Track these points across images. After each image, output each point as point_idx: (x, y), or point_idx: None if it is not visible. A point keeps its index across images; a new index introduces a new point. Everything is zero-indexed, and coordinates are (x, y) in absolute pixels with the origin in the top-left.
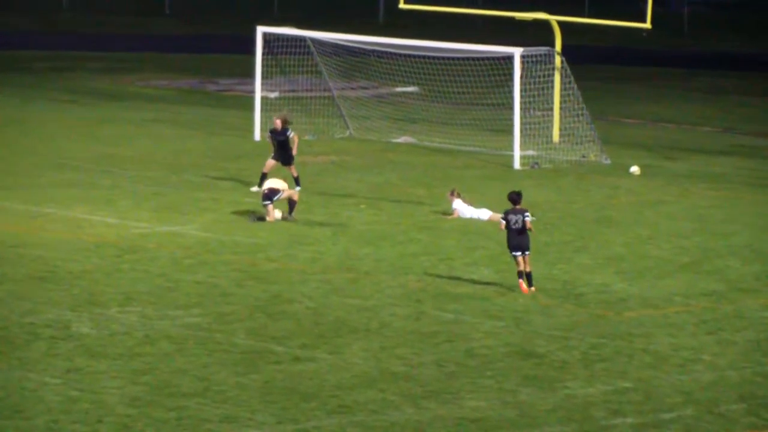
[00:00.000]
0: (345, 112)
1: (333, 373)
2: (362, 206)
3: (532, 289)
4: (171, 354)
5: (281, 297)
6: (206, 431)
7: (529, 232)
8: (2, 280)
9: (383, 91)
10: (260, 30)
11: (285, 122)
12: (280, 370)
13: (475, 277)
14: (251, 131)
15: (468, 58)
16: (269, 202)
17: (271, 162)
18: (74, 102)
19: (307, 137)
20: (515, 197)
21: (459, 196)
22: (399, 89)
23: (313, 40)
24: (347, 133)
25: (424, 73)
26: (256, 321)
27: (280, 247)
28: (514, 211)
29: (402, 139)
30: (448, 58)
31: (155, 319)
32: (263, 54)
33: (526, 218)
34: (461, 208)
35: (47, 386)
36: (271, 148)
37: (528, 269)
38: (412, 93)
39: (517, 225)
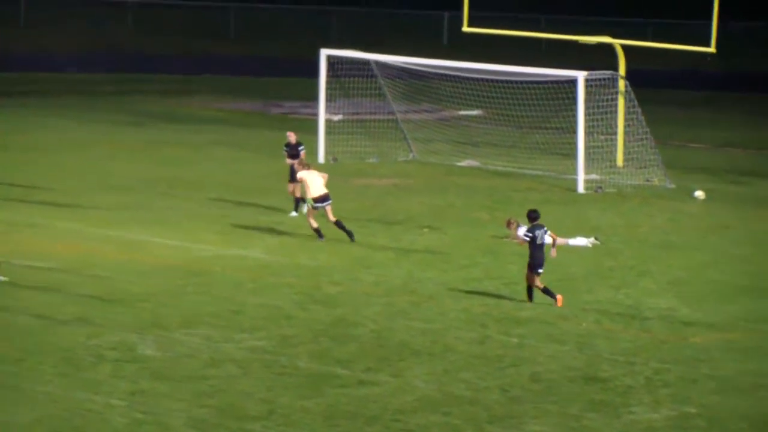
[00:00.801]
0: (408, 135)
1: (396, 396)
2: (425, 229)
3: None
4: (236, 377)
5: (345, 320)
6: None
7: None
8: (67, 303)
9: (446, 114)
10: (324, 53)
11: (297, 136)
12: (343, 393)
13: (538, 301)
14: (314, 154)
15: (531, 82)
16: (325, 203)
17: (291, 185)
18: (136, 124)
19: (370, 160)
20: (535, 215)
21: (518, 225)
22: (462, 112)
23: (377, 63)
24: (410, 155)
25: (488, 96)
26: (320, 344)
27: (343, 270)
28: (538, 227)
29: (465, 163)
30: (512, 82)
31: (220, 341)
32: (327, 77)
33: (547, 233)
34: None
35: (112, 408)
36: (287, 171)
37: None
38: (475, 116)
39: (542, 241)
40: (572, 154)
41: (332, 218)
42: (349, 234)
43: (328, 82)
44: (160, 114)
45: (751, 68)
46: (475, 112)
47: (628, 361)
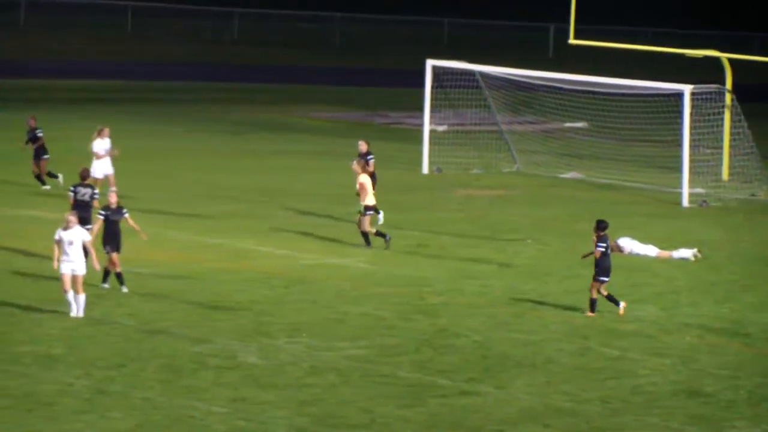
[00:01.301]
0: (513, 147)
1: (498, 407)
2: (528, 241)
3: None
4: (337, 385)
5: (447, 331)
6: None
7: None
8: (171, 310)
9: (551, 126)
10: (430, 63)
11: (368, 145)
12: (445, 403)
13: (640, 314)
14: (419, 164)
15: (636, 95)
16: (371, 212)
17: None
18: (239, 134)
19: (474, 171)
20: (604, 224)
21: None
22: (567, 124)
23: (483, 74)
24: (515, 167)
25: (592, 109)
26: (422, 354)
27: (445, 280)
28: (606, 238)
29: (569, 175)
30: (617, 94)
31: (322, 350)
32: (432, 87)
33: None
34: (629, 244)
35: (214, 415)
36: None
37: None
38: (580, 128)
39: (608, 251)
40: (677, 168)
41: (367, 228)
42: (367, 242)
43: (433, 93)
44: (264, 123)
45: None
46: (580, 125)
47: (731, 376)
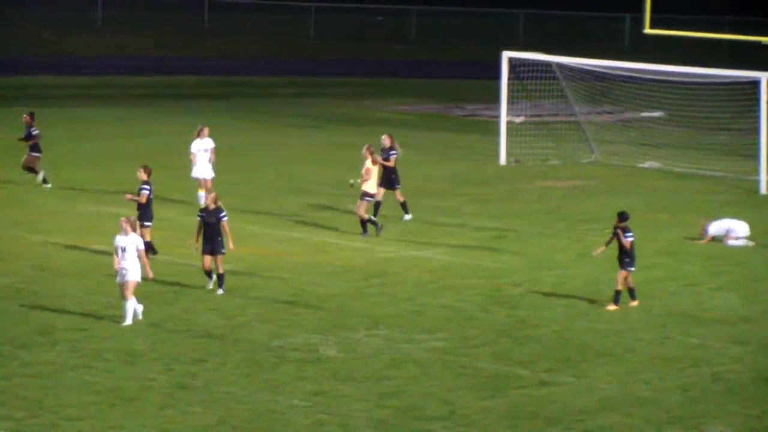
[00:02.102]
0: (590, 137)
1: (578, 397)
2: (607, 230)
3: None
4: (417, 377)
5: (526, 321)
6: None
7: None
8: (251, 304)
9: (628, 115)
10: (506, 55)
11: (392, 141)
12: (525, 394)
13: (720, 302)
14: (496, 156)
15: (713, 83)
16: (370, 199)
17: (395, 193)
18: (317, 127)
19: (552, 162)
20: (627, 215)
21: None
22: (644, 114)
23: (559, 65)
24: (592, 157)
25: (669, 98)
26: (501, 345)
27: (524, 271)
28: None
29: (647, 164)
30: (693, 83)
31: (401, 342)
32: (509, 79)
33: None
34: (718, 227)
35: (294, 409)
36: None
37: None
38: (657, 118)
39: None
40: (754, 156)
41: (363, 214)
42: (364, 230)
43: (509, 84)
44: (342, 117)
45: None
46: (656, 114)
47: None
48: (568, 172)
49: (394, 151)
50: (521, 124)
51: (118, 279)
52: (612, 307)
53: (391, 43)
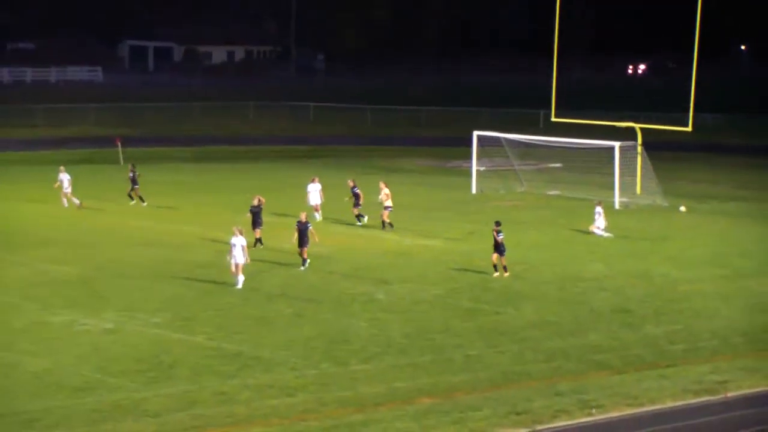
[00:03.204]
0: (522, 177)
1: (515, 320)
2: (532, 230)
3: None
4: (427, 311)
5: (487, 279)
6: None
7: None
8: (336, 270)
9: (542, 165)
10: (475, 133)
11: (354, 182)
12: (487, 319)
13: (593, 268)
14: (470, 188)
15: (589, 147)
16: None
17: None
18: (371, 174)
19: (500, 191)
20: (500, 222)
21: None
22: (551, 165)
23: (504, 138)
24: (523, 188)
25: (565, 155)
26: (472, 292)
27: (485, 252)
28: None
29: (552, 192)
30: (578, 147)
31: (417, 291)
32: (477, 146)
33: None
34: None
35: (361, 327)
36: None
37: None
38: (558, 167)
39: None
40: (612, 187)
41: (386, 219)
42: (388, 227)
43: (477, 149)
44: (381, 167)
45: None
46: (557, 165)
47: None
48: (509, 197)
49: (356, 189)
50: (484, 170)
51: (232, 262)
52: (495, 275)
53: (412, 128)
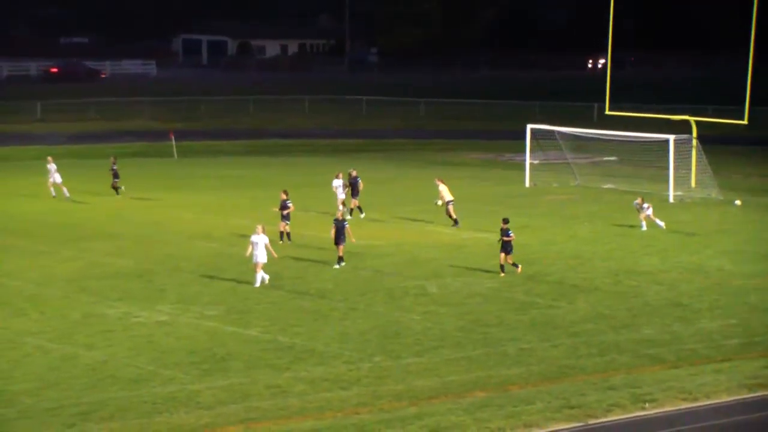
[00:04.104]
0: (575, 171)
1: (569, 314)
2: (586, 222)
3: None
4: (481, 303)
5: (540, 272)
6: None
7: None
8: (389, 263)
9: (596, 159)
10: (529, 126)
11: (356, 173)
12: (540, 312)
13: (647, 261)
14: (523, 182)
15: (644, 141)
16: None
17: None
18: (423, 168)
19: (553, 185)
20: (508, 220)
21: None
22: (605, 158)
23: (558, 132)
24: (577, 182)
25: (619, 149)
26: (527, 285)
27: (538, 245)
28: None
29: (607, 186)
30: (633, 141)
31: (473, 284)
32: (531, 139)
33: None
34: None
35: (414, 321)
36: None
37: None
38: (613, 160)
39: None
40: (666, 181)
41: (453, 213)
42: (455, 222)
43: (531, 142)
44: (437, 161)
45: None
46: (612, 158)
47: None
48: (562, 191)
49: (358, 179)
50: (537, 164)
51: (255, 260)
52: (502, 275)
53: (465, 122)
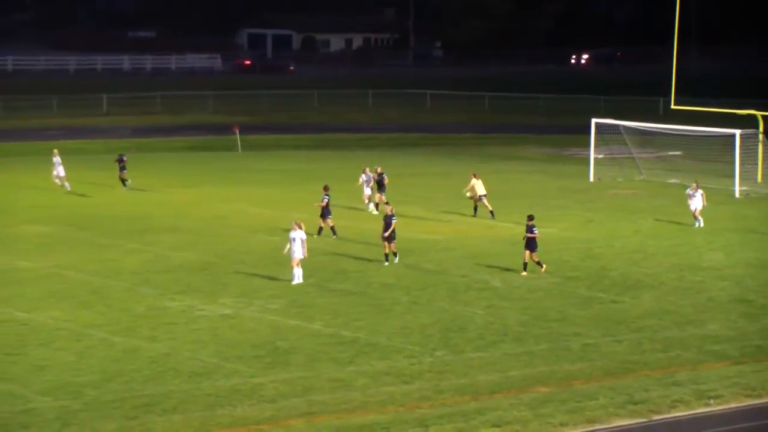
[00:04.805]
0: (640, 165)
1: (633, 309)
2: (650, 218)
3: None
4: (542, 298)
5: (605, 268)
6: None
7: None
8: (449, 258)
9: (661, 153)
10: (593, 120)
11: (381, 169)
12: (603, 307)
13: (711, 257)
14: (587, 176)
15: (709, 135)
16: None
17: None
18: (486, 162)
19: (618, 179)
20: (533, 216)
21: None
22: (670, 153)
23: (622, 126)
24: (641, 177)
25: (684, 143)
26: (590, 280)
27: (602, 239)
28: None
29: (672, 180)
30: (697, 135)
31: (534, 279)
32: (595, 133)
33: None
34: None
35: (476, 315)
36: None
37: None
38: (677, 155)
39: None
40: (732, 176)
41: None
42: (492, 213)
43: (595, 137)
44: (497, 155)
45: None
46: (677, 153)
47: None
48: (627, 185)
49: (384, 175)
50: (602, 158)
51: (292, 256)
52: (524, 274)
53: (529, 116)
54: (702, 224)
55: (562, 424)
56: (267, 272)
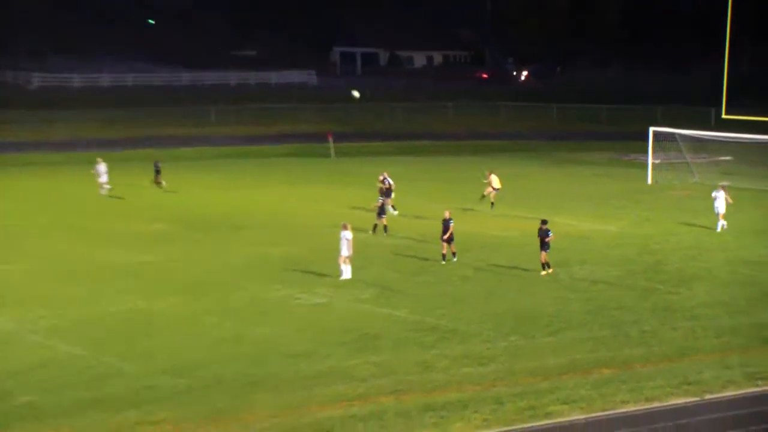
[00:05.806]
0: (694, 169)
1: (688, 300)
2: (705, 220)
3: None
4: (605, 290)
5: (661, 262)
6: None
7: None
8: (501, 251)
9: (713, 158)
10: (651, 129)
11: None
12: (661, 298)
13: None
14: (646, 179)
15: (758, 142)
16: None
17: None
18: (558, 166)
19: (674, 181)
20: (547, 221)
21: None
22: (721, 158)
23: (677, 134)
24: (695, 179)
25: (734, 149)
26: (648, 274)
27: (659, 236)
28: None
29: (723, 183)
30: (747, 141)
31: (597, 272)
32: (653, 141)
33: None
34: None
35: (545, 305)
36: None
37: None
38: (728, 159)
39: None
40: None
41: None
42: (492, 205)
43: (653, 144)
44: (567, 159)
45: None
46: (728, 157)
47: None
48: (682, 187)
49: (388, 178)
50: (659, 163)
51: (341, 253)
52: (542, 273)
53: (593, 124)
54: (725, 227)
55: (623, 402)
56: (356, 264)
